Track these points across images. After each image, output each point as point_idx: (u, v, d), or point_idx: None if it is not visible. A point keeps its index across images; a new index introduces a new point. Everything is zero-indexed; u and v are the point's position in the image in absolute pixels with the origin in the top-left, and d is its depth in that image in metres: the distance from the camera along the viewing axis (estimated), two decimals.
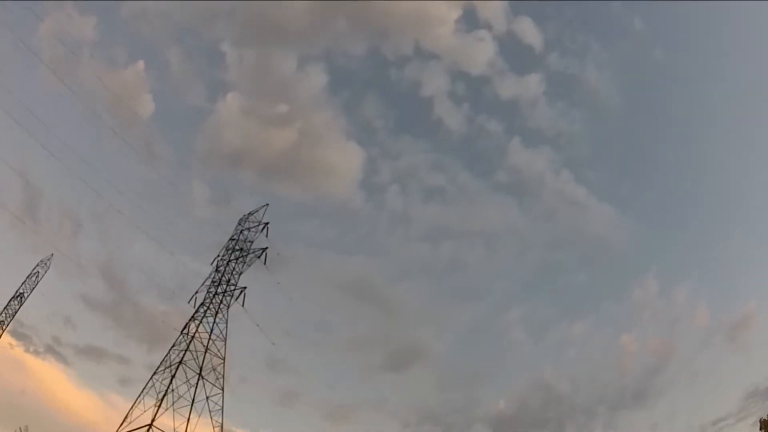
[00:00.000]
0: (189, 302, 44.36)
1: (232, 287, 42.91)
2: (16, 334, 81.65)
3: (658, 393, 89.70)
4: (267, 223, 47.93)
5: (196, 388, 38.10)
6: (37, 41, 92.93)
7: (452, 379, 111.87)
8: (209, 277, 45.24)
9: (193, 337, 39.83)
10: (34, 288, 62.05)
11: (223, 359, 40.88)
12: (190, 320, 41.94)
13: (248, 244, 46.86)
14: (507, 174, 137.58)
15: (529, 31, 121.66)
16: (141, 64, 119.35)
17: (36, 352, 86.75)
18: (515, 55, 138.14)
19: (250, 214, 50.91)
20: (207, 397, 38.32)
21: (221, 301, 42.48)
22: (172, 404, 36.84)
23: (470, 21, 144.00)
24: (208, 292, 42.99)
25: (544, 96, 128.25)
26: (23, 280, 62.61)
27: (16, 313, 59.98)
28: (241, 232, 48.93)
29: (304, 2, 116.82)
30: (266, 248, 46.25)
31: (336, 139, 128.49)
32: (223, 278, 44.21)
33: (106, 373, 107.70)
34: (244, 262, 45.54)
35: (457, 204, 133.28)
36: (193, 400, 37.27)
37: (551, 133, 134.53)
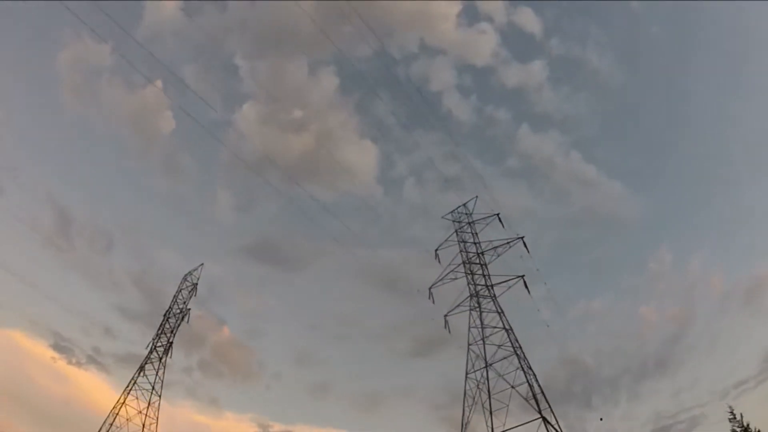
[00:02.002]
0: (429, 298, 46.01)
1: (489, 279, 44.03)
2: (58, 348, 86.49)
3: (679, 360, 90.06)
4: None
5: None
6: (57, 70, 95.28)
7: (480, 360, 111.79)
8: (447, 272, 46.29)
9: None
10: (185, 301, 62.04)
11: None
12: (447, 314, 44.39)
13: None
14: (518, 159, 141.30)
15: (528, 20, 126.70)
16: (159, 83, 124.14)
17: (78, 364, 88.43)
18: (517, 44, 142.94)
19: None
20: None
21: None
22: None
23: (471, 15, 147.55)
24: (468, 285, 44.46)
25: (548, 81, 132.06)
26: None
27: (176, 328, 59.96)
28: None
29: (311, 10, 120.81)
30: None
31: (351, 139, 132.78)
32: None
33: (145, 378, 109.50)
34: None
35: (472, 192, 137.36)
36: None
37: (558, 117, 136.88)
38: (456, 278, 45.02)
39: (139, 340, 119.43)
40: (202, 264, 59.85)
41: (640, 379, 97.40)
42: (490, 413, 36.34)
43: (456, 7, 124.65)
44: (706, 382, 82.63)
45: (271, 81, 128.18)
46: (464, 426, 35.71)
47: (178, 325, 55.33)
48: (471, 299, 42.23)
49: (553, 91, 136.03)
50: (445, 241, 47.87)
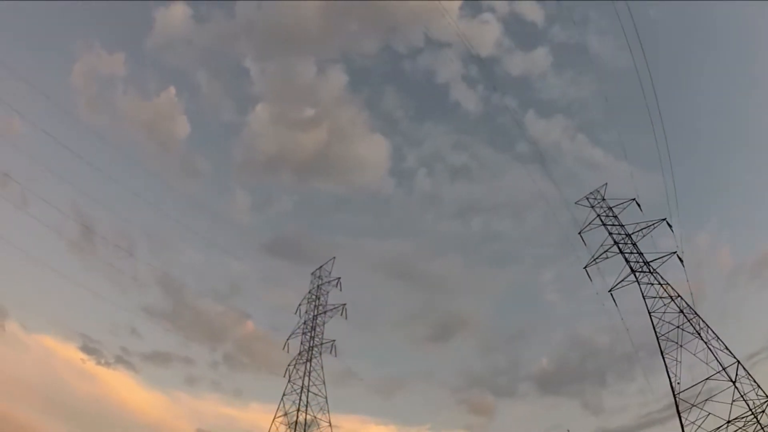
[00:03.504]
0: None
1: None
2: (86, 350, 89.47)
3: (690, 335, 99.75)
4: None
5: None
6: (72, 82, 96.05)
7: (495, 343, 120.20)
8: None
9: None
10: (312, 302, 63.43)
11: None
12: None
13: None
14: (526, 145, 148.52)
15: (530, 8, 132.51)
16: (172, 90, 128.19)
17: (107, 364, 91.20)
18: (520, 32, 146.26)
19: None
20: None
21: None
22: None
23: (473, 6, 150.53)
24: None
25: (552, 68, 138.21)
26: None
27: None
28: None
29: (316, 9, 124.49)
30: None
31: (362, 134, 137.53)
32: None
33: (172, 374, 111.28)
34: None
35: (483, 179, 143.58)
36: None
37: (563, 102, 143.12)
38: (607, 257, 50.06)
39: (164, 338, 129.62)
40: (334, 258, 62.06)
41: (655, 354, 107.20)
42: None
43: (458, 1, 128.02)
44: (719, 354, 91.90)
45: (281, 81, 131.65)
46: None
47: (316, 325, 56.79)
48: (633, 273, 47.36)
49: (557, 76, 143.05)
50: (588, 224, 52.80)
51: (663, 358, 43.36)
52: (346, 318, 55.98)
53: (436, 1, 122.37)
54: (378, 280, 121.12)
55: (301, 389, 50.66)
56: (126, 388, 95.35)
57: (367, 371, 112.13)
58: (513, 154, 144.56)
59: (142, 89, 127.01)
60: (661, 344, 42.35)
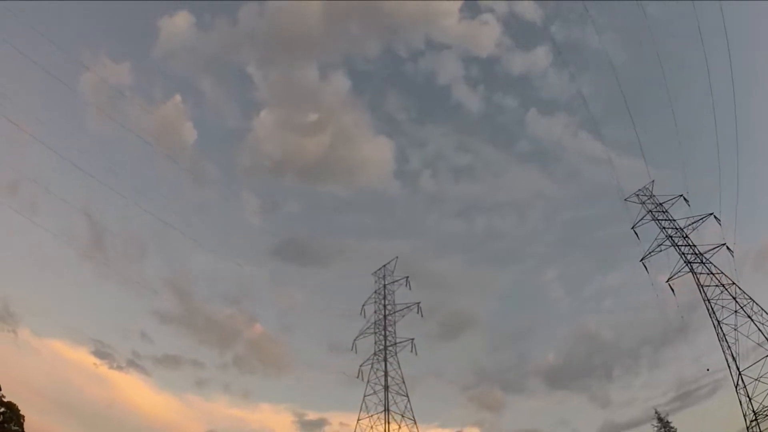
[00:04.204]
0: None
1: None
2: (99, 354, 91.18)
3: (697, 327, 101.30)
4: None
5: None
6: (80, 91, 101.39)
7: (502, 340, 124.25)
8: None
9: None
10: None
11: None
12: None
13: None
14: (528, 144, 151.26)
15: (528, 8, 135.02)
16: (177, 97, 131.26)
17: (119, 368, 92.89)
18: (519, 32, 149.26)
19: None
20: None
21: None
22: None
23: (473, 8, 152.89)
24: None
25: (552, 66, 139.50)
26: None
27: None
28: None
29: (318, 14, 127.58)
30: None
31: (366, 136, 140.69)
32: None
33: (183, 377, 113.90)
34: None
35: (485, 178, 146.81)
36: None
37: (564, 99, 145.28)
38: (661, 250, 54.84)
39: (174, 342, 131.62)
40: (396, 257, 63.08)
41: (660, 348, 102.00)
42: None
43: (457, 2, 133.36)
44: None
45: (285, 87, 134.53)
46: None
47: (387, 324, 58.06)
48: (688, 264, 52.20)
49: (557, 74, 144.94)
50: (640, 220, 57.55)
51: (720, 340, 48.18)
52: (422, 316, 57.36)
53: (436, 1, 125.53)
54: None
55: (386, 389, 52.26)
56: (138, 392, 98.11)
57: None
58: (515, 153, 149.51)
59: (148, 97, 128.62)
60: (722, 329, 47.01)
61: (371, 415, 51.42)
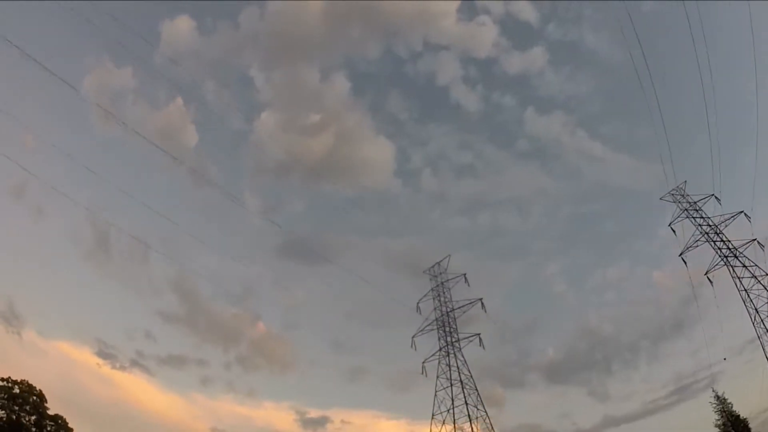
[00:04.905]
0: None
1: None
2: (102, 354, 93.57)
3: (693, 321, 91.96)
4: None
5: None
6: (83, 95, 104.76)
7: (504, 335, 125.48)
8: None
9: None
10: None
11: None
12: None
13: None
14: (527, 142, 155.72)
15: (524, 9, 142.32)
16: (179, 100, 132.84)
17: (122, 368, 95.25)
18: (516, 32, 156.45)
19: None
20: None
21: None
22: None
23: (470, 9, 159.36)
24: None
25: (549, 65, 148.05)
26: None
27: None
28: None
29: (318, 17, 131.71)
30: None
31: (367, 137, 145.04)
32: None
33: (188, 376, 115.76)
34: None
35: (487, 176, 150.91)
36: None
37: (561, 98, 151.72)
38: (697, 246, 59.78)
39: (179, 341, 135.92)
40: (449, 255, 65.74)
41: (658, 342, 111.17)
42: None
43: (455, 3, 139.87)
44: (722, 339, 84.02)
45: (286, 89, 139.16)
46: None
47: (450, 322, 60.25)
48: (724, 259, 57.14)
49: (554, 73, 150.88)
50: (676, 218, 62.43)
51: (755, 326, 53.04)
52: (485, 312, 58.88)
53: (435, 1, 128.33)
54: (387, 278, 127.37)
55: (462, 384, 54.17)
56: (142, 391, 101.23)
57: (379, 366, 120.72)
58: (515, 151, 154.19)
59: (151, 101, 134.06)
60: (761, 319, 52.00)
61: (446, 411, 53.44)
